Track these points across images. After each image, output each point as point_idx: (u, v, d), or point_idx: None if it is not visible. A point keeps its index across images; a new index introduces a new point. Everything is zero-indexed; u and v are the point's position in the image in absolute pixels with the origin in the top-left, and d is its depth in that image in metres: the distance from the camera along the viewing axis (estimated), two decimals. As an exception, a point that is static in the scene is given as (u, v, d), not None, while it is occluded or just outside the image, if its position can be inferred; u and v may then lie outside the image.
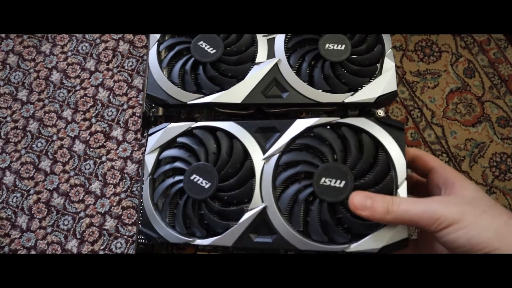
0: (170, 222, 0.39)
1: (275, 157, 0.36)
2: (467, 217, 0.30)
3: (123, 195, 0.53)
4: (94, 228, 0.52)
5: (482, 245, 0.29)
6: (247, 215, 0.37)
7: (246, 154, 0.37)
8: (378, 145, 0.35)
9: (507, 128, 0.55)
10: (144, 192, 0.38)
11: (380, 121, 0.35)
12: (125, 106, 0.56)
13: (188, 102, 0.52)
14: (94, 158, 0.55)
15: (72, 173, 0.54)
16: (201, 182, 0.38)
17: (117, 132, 0.55)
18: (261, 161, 0.36)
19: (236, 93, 0.42)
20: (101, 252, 0.51)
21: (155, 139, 0.38)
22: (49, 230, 0.52)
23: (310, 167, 0.36)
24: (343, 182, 0.34)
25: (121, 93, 0.57)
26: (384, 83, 0.38)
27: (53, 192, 0.53)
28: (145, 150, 0.39)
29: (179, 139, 0.38)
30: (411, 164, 0.38)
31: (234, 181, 0.37)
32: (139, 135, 0.55)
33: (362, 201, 0.32)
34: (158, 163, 0.38)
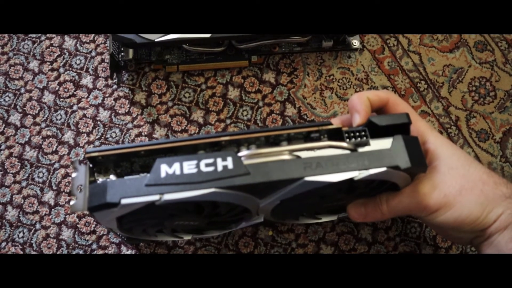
0: None
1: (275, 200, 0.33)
2: (449, 199, 0.33)
3: (97, 143, 0.51)
4: (70, 178, 0.50)
5: (468, 220, 0.33)
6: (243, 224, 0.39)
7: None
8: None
9: (485, 52, 0.54)
10: None
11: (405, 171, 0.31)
12: (93, 53, 0.54)
13: (156, 40, 0.51)
14: (65, 108, 0.53)
15: (43, 125, 0.52)
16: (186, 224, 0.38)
17: (87, 80, 0.53)
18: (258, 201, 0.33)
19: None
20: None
21: (105, 217, 0.32)
22: (24, 184, 0.51)
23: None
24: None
25: (88, 41, 0.55)
26: None
27: (25, 145, 0.52)
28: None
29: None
30: (379, 109, 0.38)
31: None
32: (109, 81, 0.53)
33: (358, 211, 0.36)
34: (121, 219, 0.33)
